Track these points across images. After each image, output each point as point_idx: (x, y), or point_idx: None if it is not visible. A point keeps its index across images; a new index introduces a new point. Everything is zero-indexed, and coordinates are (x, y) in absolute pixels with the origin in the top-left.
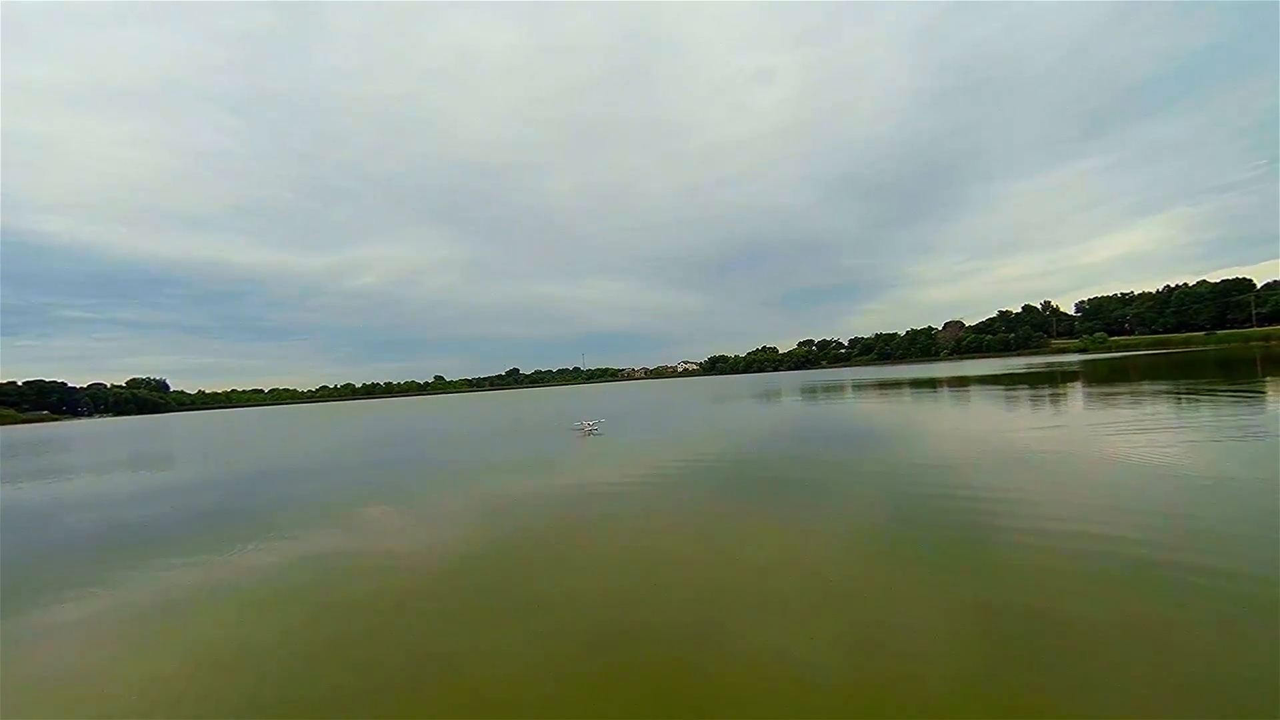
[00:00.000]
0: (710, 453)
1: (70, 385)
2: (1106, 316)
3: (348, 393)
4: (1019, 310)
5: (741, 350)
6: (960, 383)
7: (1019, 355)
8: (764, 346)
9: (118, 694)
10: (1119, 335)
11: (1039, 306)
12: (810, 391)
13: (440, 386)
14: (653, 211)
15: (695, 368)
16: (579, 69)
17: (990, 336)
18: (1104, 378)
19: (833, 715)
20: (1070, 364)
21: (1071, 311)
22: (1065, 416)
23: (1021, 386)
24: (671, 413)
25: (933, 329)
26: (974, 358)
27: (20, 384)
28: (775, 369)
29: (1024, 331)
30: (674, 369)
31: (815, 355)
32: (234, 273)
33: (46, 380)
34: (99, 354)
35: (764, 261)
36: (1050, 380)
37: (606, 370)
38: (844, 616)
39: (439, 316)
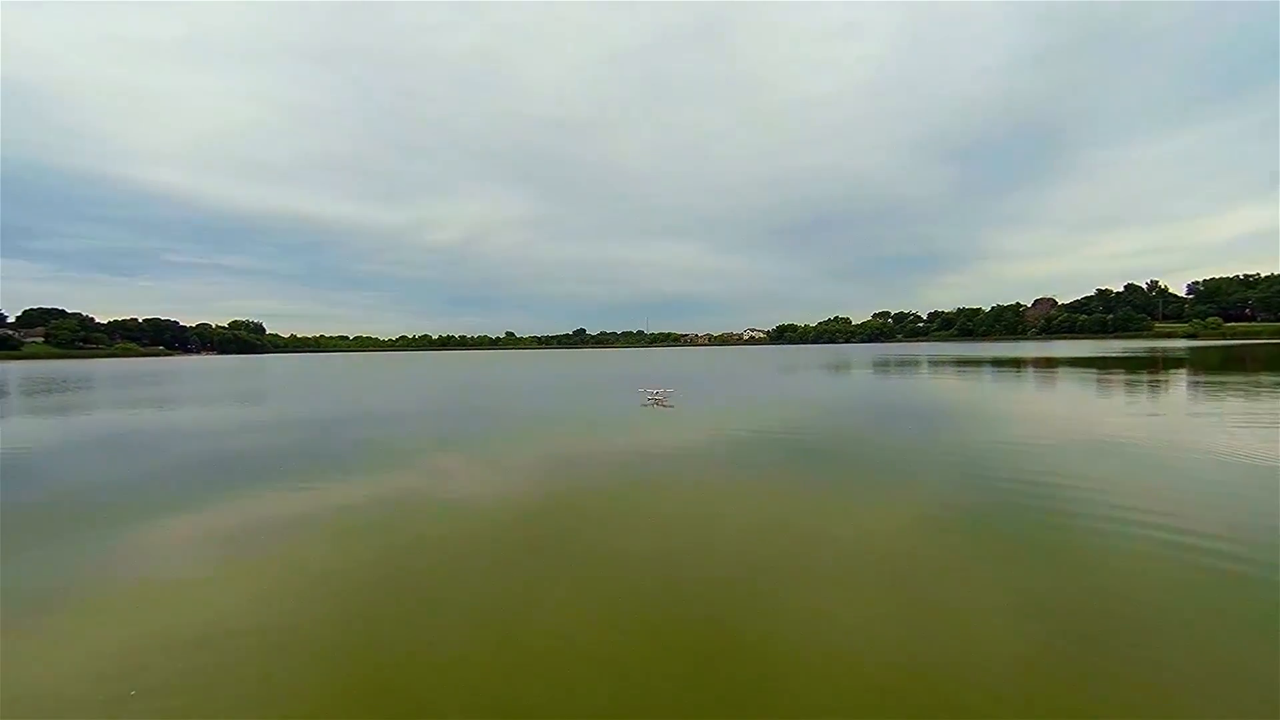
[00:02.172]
0: (774, 423)
1: (181, 324)
2: (1224, 300)
3: (425, 343)
4: (1120, 289)
5: (811, 320)
6: (1047, 364)
7: (1117, 338)
8: (835, 316)
9: (218, 606)
10: (1237, 321)
11: (1143, 286)
12: (882, 365)
13: (511, 342)
14: (726, 173)
15: (762, 336)
16: (658, 23)
17: (1085, 316)
18: (1214, 366)
19: (883, 688)
20: (1176, 350)
21: (1182, 293)
22: (1164, 405)
23: (1117, 371)
24: (735, 381)
25: (1021, 306)
26: (1065, 338)
27: (141, 321)
28: (846, 340)
29: (1124, 313)
30: (739, 336)
31: (890, 328)
32: (322, 224)
33: (162, 319)
34: (206, 296)
35: (840, 227)
36: (1150, 366)
37: (670, 335)
38: (901, 594)
39: (510, 274)
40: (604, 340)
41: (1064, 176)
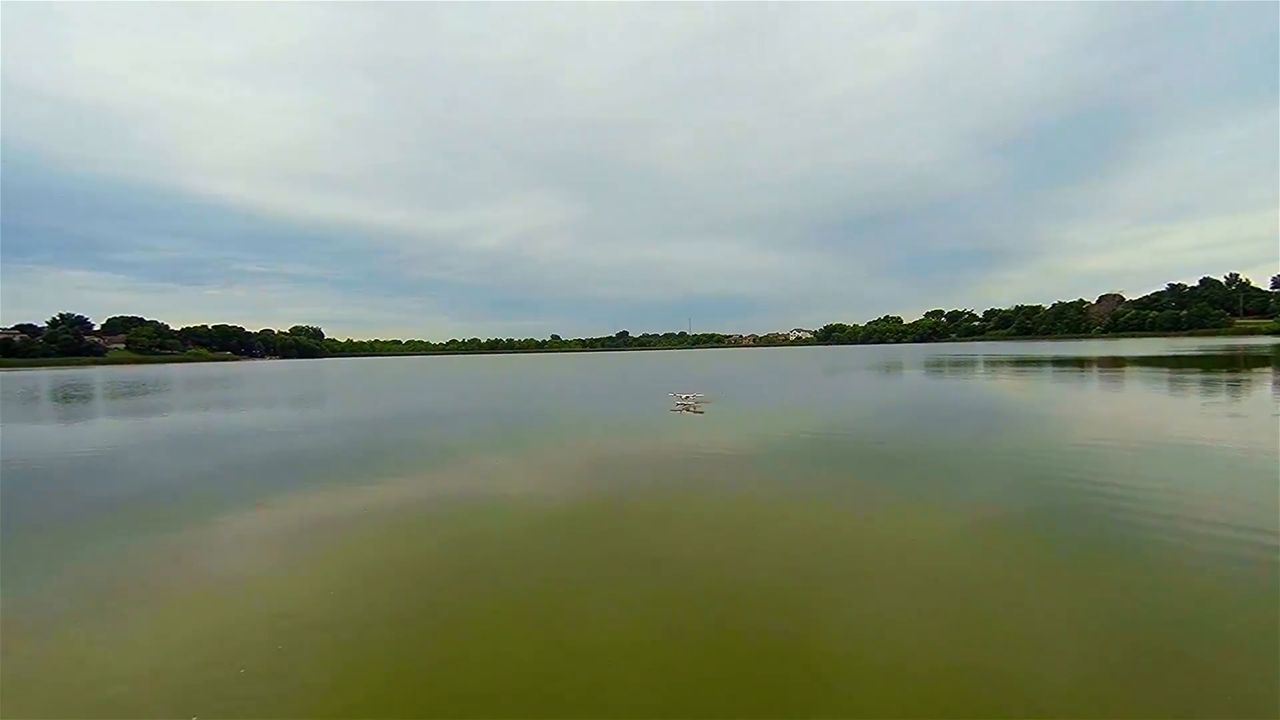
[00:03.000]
0: (821, 425)
1: (247, 330)
2: None
3: (474, 347)
4: (1195, 284)
5: (860, 319)
6: (1114, 363)
7: (1191, 335)
8: (886, 316)
9: (282, 600)
10: None
11: (1222, 280)
12: (935, 366)
13: (556, 345)
14: (769, 170)
15: (809, 336)
16: (698, 22)
17: (1156, 313)
18: None
19: (935, 700)
20: (1260, 347)
21: (1266, 286)
22: (1246, 406)
23: (1192, 370)
24: (781, 382)
25: (1084, 302)
26: (1133, 336)
27: (210, 327)
28: (897, 341)
29: (1199, 308)
30: (785, 337)
31: (944, 327)
32: (374, 232)
33: (229, 325)
34: (268, 303)
35: (890, 223)
36: (1230, 365)
37: (713, 336)
38: (955, 602)
39: (554, 277)
40: (646, 342)
41: (1130, 165)
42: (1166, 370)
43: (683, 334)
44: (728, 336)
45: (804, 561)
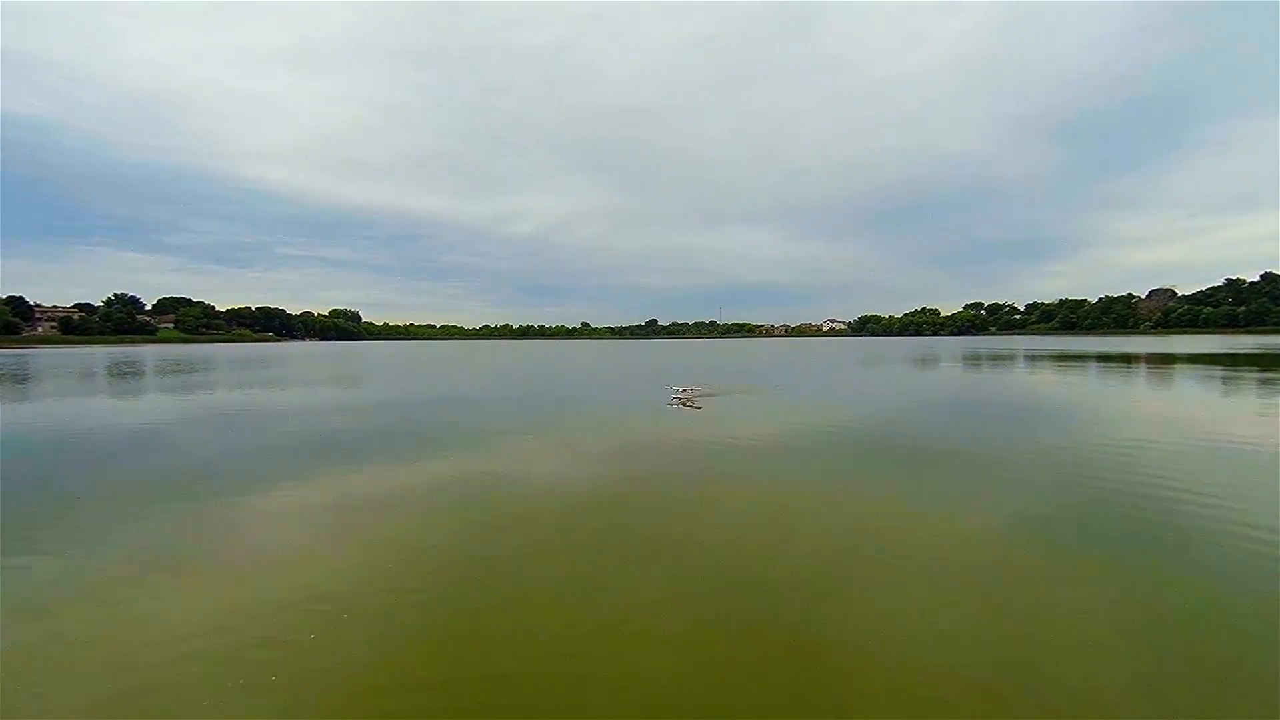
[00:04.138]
0: (853, 418)
1: (288, 312)
2: None
3: (506, 333)
4: (1254, 279)
5: (897, 310)
6: (1164, 360)
7: (1250, 333)
8: (923, 308)
9: (317, 577)
10: None
11: None
12: (973, 360)
13: (586, 333)
14: (805, 156)
15: (843, 327)
16: (737, 4)
17: (1211, 309)
18: None
19: (967, 695)
20: None
21: None
22: None
23: (1249, 369)
24: (814, 373)
25: (1133, 297)
26: (1185, 333)
27: (254, 309)
28: (935, 333)
29: (1259, 304)
30: (818, 327)
31: (983, 320)
32: (411, 218)
33: (271, 307)
34: (308, 286)
35: (929, 212)
36: None
37: (743, 326)
38: (989, 601)
39: (585, 264)
40: (675, 331)
41: (1186, 154)
42: (1220, 368)
43: (712, 323)
44: (759, 326)
45: (837, 557)
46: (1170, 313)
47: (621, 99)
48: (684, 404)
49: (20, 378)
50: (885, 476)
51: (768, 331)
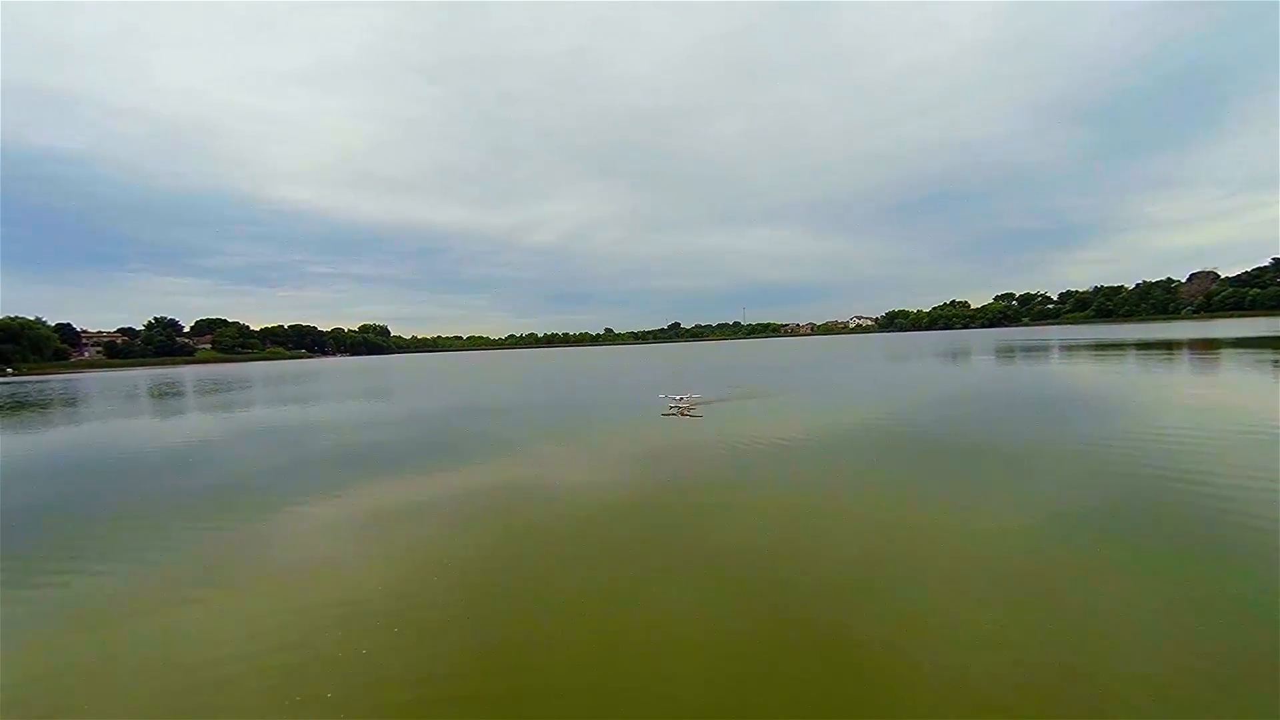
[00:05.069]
0: (884, 415)
1: (319, 329)
2: None
3: (531, 341)
4: None
5: (925, 305)
6: (1208, 346)
7: None
8: (952, 301)
9: (355, 588)
10: None
11: None
12: (1006, 352)
13: (610, 338)
14: (826, 151)
15: (870, 323)
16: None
17: (1258, 290)
18: None
19: (1005, 695)
20: None
21: None
22: None
23: None
24: (841, 371)
25: (1173, 281)
26: (1230, 316)
27: (286, 327)
28: (965, 326)
29: None
30: (844, 324)
31: (1015, 311)
32: (434, 231)
33: (303, 325)
34: (337, 302)
35: (955, 202)
36: None
37: (768, 325)
38: (1029, 600)
39: (606, 270)
40: (698, 333)
41: (1223, 130)
42: (1272, 352)
43: (736, 324)
44: (784, 325)
45: (871, 557)
46: (1214, 296)
47: (637, 102)
48: (681, 413)
49: (70, 401)
50: (916, 473)
51: (793, 331)
